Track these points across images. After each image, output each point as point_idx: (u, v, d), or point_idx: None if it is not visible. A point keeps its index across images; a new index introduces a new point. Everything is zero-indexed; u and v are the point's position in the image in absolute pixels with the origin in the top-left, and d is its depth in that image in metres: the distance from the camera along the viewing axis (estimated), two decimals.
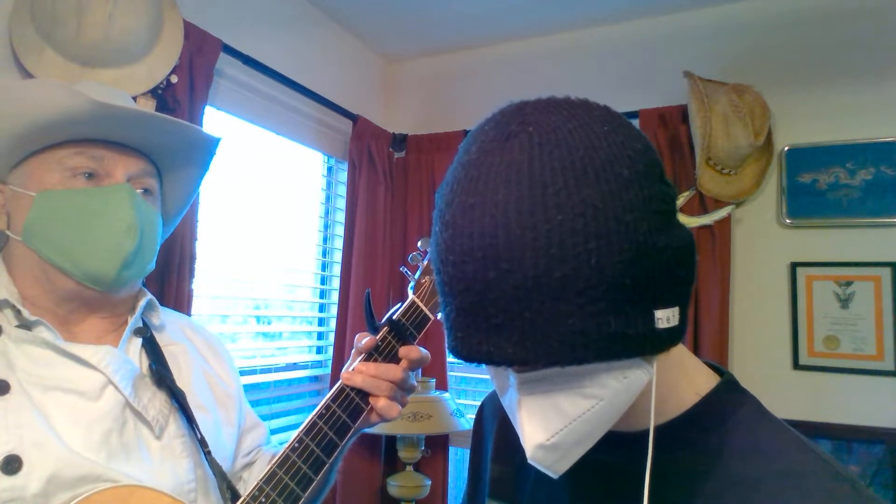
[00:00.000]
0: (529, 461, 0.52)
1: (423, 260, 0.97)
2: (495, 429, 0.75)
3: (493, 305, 0.46)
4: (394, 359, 0.90)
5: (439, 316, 0.94)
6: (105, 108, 0.80)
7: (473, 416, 0.82)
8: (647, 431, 0.56)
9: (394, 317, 0.91)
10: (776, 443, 0.53)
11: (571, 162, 0.45)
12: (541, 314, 0.45)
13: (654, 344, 0.48)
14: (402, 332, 0.91)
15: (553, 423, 0.49)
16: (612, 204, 0.45)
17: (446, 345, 0.52)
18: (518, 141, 0.47)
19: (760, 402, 0.58)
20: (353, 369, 0.88)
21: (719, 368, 0.62)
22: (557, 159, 0.46)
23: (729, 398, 0.57)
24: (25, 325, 0.81)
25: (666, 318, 0.48)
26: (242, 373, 1.08)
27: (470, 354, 0.48)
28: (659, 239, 0.47)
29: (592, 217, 0.44)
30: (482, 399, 0.82)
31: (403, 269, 0.98)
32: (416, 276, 0.96)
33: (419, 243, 0.98)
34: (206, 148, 0.97)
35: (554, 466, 0.51)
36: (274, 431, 1.09)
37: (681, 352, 0.58)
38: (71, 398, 0.78)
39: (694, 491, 0.53)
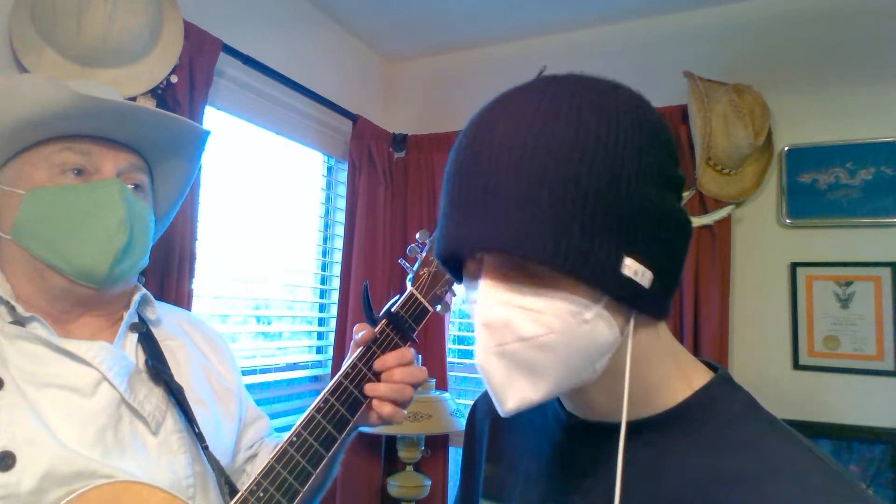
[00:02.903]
0: (478, 367, 0.53)
1: (421, 252, 0.96)
2: (488, 428, 0.75)
3: (474, 189, 0.50)
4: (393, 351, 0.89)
5: (438, 308, 0.94)
6: (90, 100, 0.80)
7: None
8: (639, 423, 0.56)
9: (392, 309, 0.90)
10: (770, 438, 0.53)
11: (583, 97, 0.50)
12: (515, 202, 0.48)
13: (612, 284, 0.49)
14: (401, 324, 0.89)
15: (506, 336, 0.51)
16: (607, 134, 0.48)
17: (434, 252, 0.56)
18: (540, 81, 0.54)
19: (755, 399, 0.58)
20: (366, 368, 0.86)
21: (714, 365, 0.62)
22: (572, 92, 0.51)
23: (723, 393, 0.57)
24: (19, 322, 0.80)
25: (634, 270, 0.49)
26: (242, 373, 1.08)
27: (445, 244, 0.53)
28: (647, 189, 0.49)
29: (584, 133, 0.48)
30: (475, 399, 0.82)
31: (401, 262, 0.97)
32: (415, 267, 0.94)
33: (417, 235, 0.97)
34: (195, 141, 0.97)
35: (501, 390, 0.52)
36: (274, 431, 1.09)
37: (675, 346, 0.59)
38: (65, 395, 0.78)
39: (685, 483, 0.53)
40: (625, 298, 0.50)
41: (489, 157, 0.49)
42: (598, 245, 0.48)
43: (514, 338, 0.51)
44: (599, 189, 0.48)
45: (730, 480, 0.50)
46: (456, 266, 0.59)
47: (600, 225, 0.48)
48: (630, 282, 0.49)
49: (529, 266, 0.51)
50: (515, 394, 0.52)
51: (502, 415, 0.53)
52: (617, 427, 0.54)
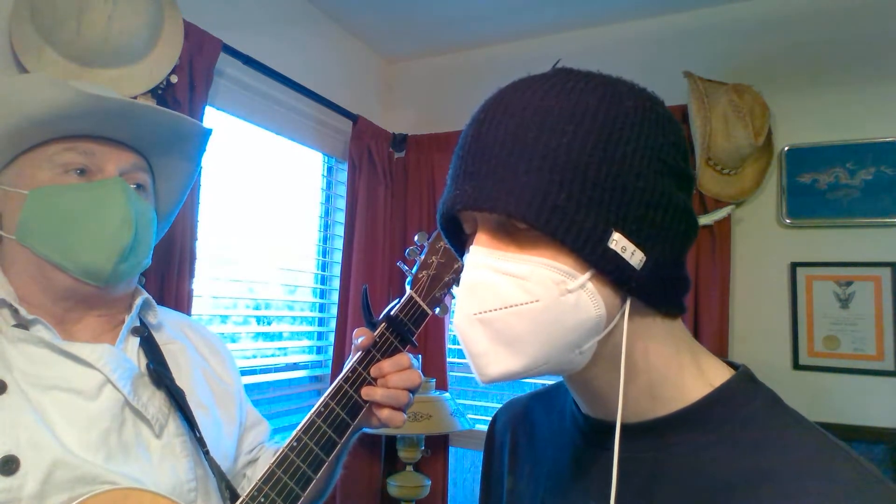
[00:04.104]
0: (457, 330, 0.54)
1: (420, 254, 0.95)
2: (509, 439, 0.74)
3: (472, 157, 0.52)
4: (393, 355, 0.89)
5: (437, 311, 0.94)
6: (94, 99, 0.80)
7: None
8: (655, 421, 0.55)
9: (391, 312, 0.90)
10: (794, 435, 0.51)
11: (588, 83, 0.53)
12: (506, 166, 0.50)
13: (596, 255, 0.49)
14: (401, 327, 0.90)
15: (488, 302, 0.51)
16: (606, 113, 0.50)
17: (437, 221, 0.58)
18: (552, 70, 0.56)
19: (778, 395, 0.56)
20: (365, 372, 0.86)
21: (737, 365, 0.60)
22: (578, 78, 0.53)
23: (744, 389, 0.56)
24: (22, 325, 0.80)
25: (622, 246, 0.50)
26: (242, 373, 1.08)
27: (441, 207, 0.55)
28: (644, 171, 0.50)
29: (582, 109, 0.50)
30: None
31: (400, 264, 0.97)
32: (414, 270, 0.94)
33: (416, 237, 0.96)
34: (197, 139, 0.97)
35: (481, 359, 0.52)
36: (274, 432, 1.09)
37: (693, 345, 0.58)
38: (69, 397, 0.77)
39: (705, 481, 0.51)
40: (611, 274, 0.49)
41: (489, 128, 0.52)
42: (584, 214, 0.49)
43: (498, 304, 0.51)
44: (591, 162, 0.49)
45: (754, 478, 0.49)
46: (459, 242, 0.60)
47: (589, 196, 0.49)
48: (616, 257, 0.49)
49: (518, 234, 0.51)
50: (496, 363, 0.51)
51: (481, 384, 0.54)
52: (633, 427, 0.53)
